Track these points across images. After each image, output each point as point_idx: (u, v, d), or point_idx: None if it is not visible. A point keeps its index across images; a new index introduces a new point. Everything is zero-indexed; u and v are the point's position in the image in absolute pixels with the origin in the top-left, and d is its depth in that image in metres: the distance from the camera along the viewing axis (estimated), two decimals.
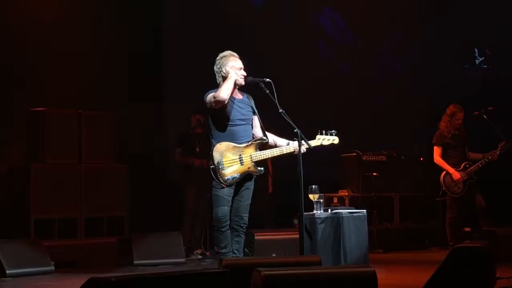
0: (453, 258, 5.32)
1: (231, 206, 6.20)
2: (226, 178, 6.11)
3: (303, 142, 6.04)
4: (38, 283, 6.75)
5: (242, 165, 6.16)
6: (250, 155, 6.18)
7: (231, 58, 6.24)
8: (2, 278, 6.98)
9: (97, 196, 8.75)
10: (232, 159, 6.13)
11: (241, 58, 6.25)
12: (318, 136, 6.33)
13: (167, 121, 9.90)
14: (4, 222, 8.18)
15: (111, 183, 8.89)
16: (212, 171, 6.11)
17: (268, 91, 6.08)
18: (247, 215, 6.25)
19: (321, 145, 6.34)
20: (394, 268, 7.37)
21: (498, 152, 8.64)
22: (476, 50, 10.24)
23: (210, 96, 6.14)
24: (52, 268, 7.41)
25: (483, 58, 10.20)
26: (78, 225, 8.64)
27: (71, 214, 8.62)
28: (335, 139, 6.38)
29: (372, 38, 10.67)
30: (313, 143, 6.26)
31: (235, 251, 6.21)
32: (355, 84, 10.53)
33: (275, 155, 6.32)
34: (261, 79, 6.14)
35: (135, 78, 9.54)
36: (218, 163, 6.10)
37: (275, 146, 6.35)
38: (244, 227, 6.26)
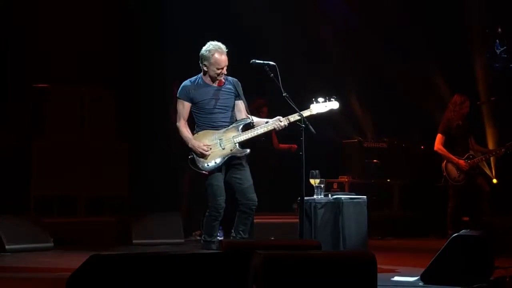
0: (451, 247, 5.36)
1: (235, 190, 6.17)
2: (205, 164, 6.07)
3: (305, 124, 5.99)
4: (37, 259, 6.76)
5: (223, 149, 6.09)
6: (232, 137, 6.13)
7: (216, 55, 6.06)
8: (2, 253, 7.01)
9: (98, 174, 8.77)
10: (210, 145, 6.08)
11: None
12: (312, 106, 6.20)
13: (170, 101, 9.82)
14: (4, 198, 8.19)
15: (112, 162, 8.91)
16: (190, 161, 6.08)
17: (272, 74, 6.07)
18: (255, 194, 6.16)
19: (317, 113, 6.17)
20: (392, 255, 7.38)
21: (503, 151, 8.58)
22: (497, 40, 10.09)
23: (178, 111, 6.19)
24: (51, 244, 7.42)
25: (504, 48, 10.05)
26: (78, 203, 8.66)
27: (71, 192, 8.64)
28: (334, 104, 6.24)
29: (379, 22, 10.47)
30: (308, 111, 6.12)
31: (240, 232, 6.14)
32: (359, 70, 10.41)
33: (260, 133, 6.20)
34: (266, 62, 6.12)
35: (138, 56, 9.49)
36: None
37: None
38: (254, 209, 6.17)
